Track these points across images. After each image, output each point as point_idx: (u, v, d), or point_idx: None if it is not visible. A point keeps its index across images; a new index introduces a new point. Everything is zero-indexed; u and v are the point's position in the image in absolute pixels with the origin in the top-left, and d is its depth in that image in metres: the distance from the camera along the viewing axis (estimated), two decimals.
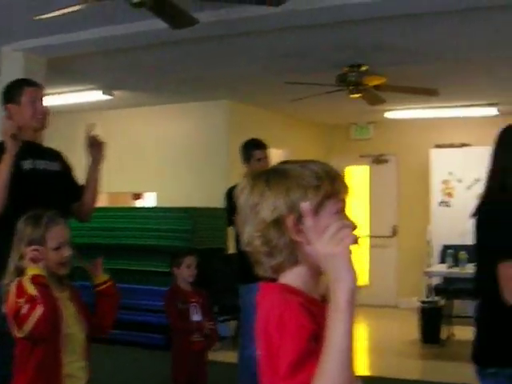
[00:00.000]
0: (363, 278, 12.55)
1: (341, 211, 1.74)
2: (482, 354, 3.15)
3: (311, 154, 12.03)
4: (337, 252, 1.55)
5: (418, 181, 11.75)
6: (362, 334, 10.85)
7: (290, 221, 1.68)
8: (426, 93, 7.75)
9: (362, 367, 8.70)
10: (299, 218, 1.67)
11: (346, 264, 1.55)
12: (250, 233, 1.74)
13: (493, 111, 10.41)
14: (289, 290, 1.70)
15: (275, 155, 10.37)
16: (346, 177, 1.79)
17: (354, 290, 1.54)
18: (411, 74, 7.83)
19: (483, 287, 3.20)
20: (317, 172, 1.73)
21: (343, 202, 1.76)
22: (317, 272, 1.64)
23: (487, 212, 3.16)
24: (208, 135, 10.05)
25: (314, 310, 1.62)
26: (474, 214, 3.21)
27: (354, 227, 1.66)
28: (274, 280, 1.76)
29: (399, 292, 12.13)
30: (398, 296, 12.10)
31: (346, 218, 1.73)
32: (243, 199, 1.77)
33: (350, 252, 1.56)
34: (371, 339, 10.35)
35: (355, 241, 1.58)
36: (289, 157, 10.94)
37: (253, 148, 6.16)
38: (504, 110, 10.35)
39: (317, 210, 1.68)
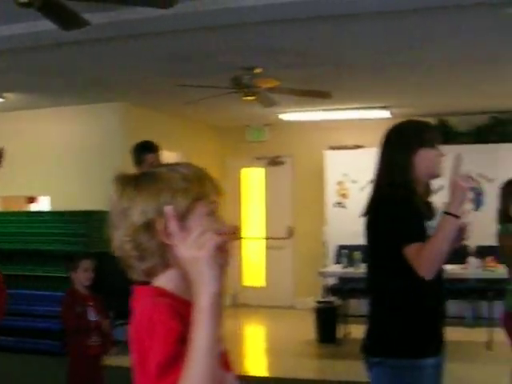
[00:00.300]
0: (260, 280, 12.62)
1: (212, 213, 1.74)
2: (370, 345, 3.35)
3: (207, 156, 12.03)
4: (199, 256, 1.58)
5: (313, 182, 11.88)
6: (259, 336, 10.92)
7: (159, 224, 1.68)
8: (318, 95, 7.84)
9: (260, 368, 8.76)
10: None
11: (208, 268, 1.57)
12: (120, 237, 1.73)
13: (386, 114, 10.63)
14: (160, 292, 1.71)
15: (171, 158, 10.36)
16: (214, 178, 1.80)
17: (217, 293, 1.56)
18: (305, 76, 7.90)
19: (373, 284, 3.37)
20: (186, 175, 1.74)
21: (215, 203, 1.77)
22: (188, 274, 1.64)
23: (378, 209, 3.28)
24: (102, 138, 9.91)
25: (184, 312, 1.62)
26: (365, 214, 3.33)
27: (225, 229, 1.70)
28: (147, 283, 1.76)
29: (296, 293, 12.23)
30: (295, 297, 12.20)
31: (219, 219, 1.75)
32: (113, 204, 1.76)
33: (214, 255, 1.58)
34: (268, 340, 10.42)
35: (221, 244, 1.61)
36: (184, 159, 10.91)
37: (144, 151, 6.10)
38: (396, 113, 10.58)
39: (187, 213, 1.69)
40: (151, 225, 1.69)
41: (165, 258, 1.71)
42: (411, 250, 3.10)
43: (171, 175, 1.73)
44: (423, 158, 3.31)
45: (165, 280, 1.74)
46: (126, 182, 1.76)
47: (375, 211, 3.33)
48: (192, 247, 1.59)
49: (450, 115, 11.15)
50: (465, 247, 9.51)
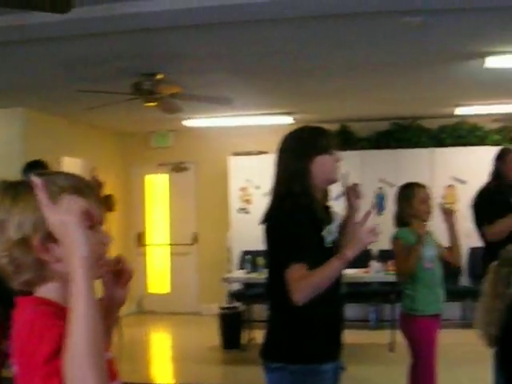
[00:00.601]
0: (165, 286, 12.56)
1: (94, 226, 1.72)
2: (269, 351, 3.37)
3: (110, 162, 11.92)
4: (67, 220, 1.57)
5: (217, 188, 11.88)
6: (164, 343, 10.86)
7: (35, 240, 1.65)
8: (220, 102, 7.85)
9: (165, 375, 8.71)
10: (46, 237, 1.65)
11: (77, 231, 1.56)
12: None
13: (288, 120, 10.71)
14: (42, 302, 1.68)
15: (73, 165, 10.22)
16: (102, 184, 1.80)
17: (88, 258, 1.55)
18: (207, 82, 7.90)
19: (271, 290, 3.38)
20: (64, 186, 1.70)
21: (97, 217, 1.75)
22: (69, 285, 1.62)
23: (275, 218, 3.30)
24: (3, 144, 9.68)
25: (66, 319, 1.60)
26: (263, 221, 3.33)
27: (107, 241, 1.74)
28: (30, 293, 1.73)
29: (201, 299, 12.20)
30: (200, 303, 12.17)
31: (101, 232, 1.76)
32: None
33: (81, 220, 1.57)
34: (174, 347, 10.36)
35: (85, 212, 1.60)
36: (87, 166, 10.77)
37: (31, 171, 5.96)
38: (299, 119, 10.69)
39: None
40: (27, 240, 1.65)
41: (42, 272, 1.68)
42: (292, 273, 3.14)
43: (48, 187, 1.67)
44: (320, 165, 3.34)
45: (46, 290, 1.71)
46: (5, 192, 1.71)
47: (272, 220, 3.34)
48: (60, 212, 1.57)
49: (351, 121, 11.33)
50: (367, 251, 9.69)
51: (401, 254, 5.42)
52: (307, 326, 3.26)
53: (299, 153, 3.35)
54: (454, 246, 5.54)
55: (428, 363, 5.27)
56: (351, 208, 3.65)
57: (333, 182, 3.44)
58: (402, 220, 5.51)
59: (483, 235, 6.05)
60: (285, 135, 3.50)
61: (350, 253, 3.09)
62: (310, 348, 3.25)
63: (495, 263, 4.25)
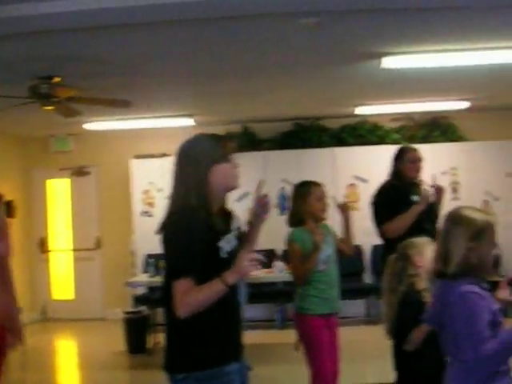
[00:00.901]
0: (69, 293, 12.37)
1: None
2: (171, 363, 3.33)
3: (10, 167, 11.67)
4: None
5: (119, 192, 11.78)
6: (70, 349, 10.70)
7: None
8: (119, 105, 7.74)
9: (71, 383, 8.58)
10: None
11: None
12: None
13: (190, 122, 10.69)
14: None
15: None
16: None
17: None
18: (106, 85, 7.78)
19: (166, 297, 3.30)
20: None
21: None
22: None
23: (169, 229, 3.27)
24: None
25: None
26: (159, 230, 3.29)
27: None
28: None
29: (106, 304, 12.06)
30: (105, 308, 12.02)
31: None
32: None
33: None
34: (80, 354, 10.23)
35: None
36: None
37: None
38: (200, 121, 10.69)
39: None
40: None
41: None
42: (178, 287, 3.16)
43: None
44: (218, 174, 3.31)
45: None
46: None
47: (166, 231, 3.29)
48: None
49: (254, 122, 11.40)
50: (271, 251, 9.75)
51: (296, 257, 5.48)
52: (204, 330, 3.24)
53: (196, 164, 3.30)
54: (347, 238, 5.73)
55: (321, 361, 5.36)
56: (257, 218, 3.69)
57: (233, 188, 3.41)
58: (297, 218, 5.56)
59: (382, 232, 6.17)
60: (180, 146, 3.42)
61: (230, 279, 3.17)
62: (209, 352, 3.24)
63: (393, 256, 4.34)
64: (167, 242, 3.27)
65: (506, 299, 3.14)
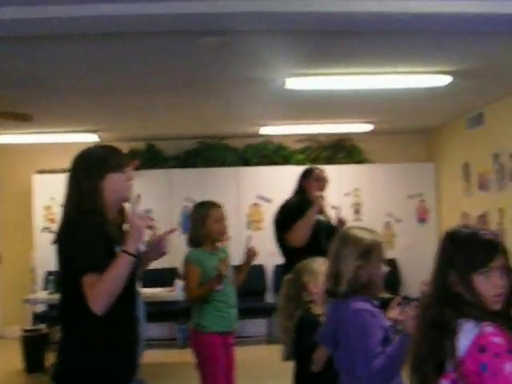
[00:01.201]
0: None
1: None
2: (59, 373, 3.27)
3: None
4: None
5: (20, 207, 11.52)
6: None
7: None
8: (20, 118, 7.58)
9: None
10: None
11: None
12: None
13: (94, 137, 10.57)
14: None
15: None
16: None
17: None
18: (6, 98, 7.63)
19: (64, 310, 3.30)
20: None
21: None
22: None
23: (64, 234, 3.23)
24: None
25: None
26: (54, 241, 3.26)
27: None
28: None
29: (3, 321, 11.74)
30: (3, 325, 11.72)
31: None
32: None
33: None
34: None
35: None
36: None
37: None
38: (104, 137, 10.60)
39: None
40: None
41: None
42: (87, 282, 3.11)
43: None
44: (111, 183, 3.33)
45: None
46: None
47: (61, 236, 3.27)
48: None
49: (159, 139, 11.35)
50: (173, 270, 9.70)
51: (192, 279, 5.44)
52: (99, 346, 3.20)
53: (90, 171, 3.33)
54: (242, 273, 5.74)
55: (215, 379, 5.34)
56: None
57: (125, 200, 3.43)
58: (195, 239, 5.51)
59: (284, 246, 6.22)
60: (76, 154, 3.47)
61: (131, 246, 3.14)
62: (103, 368, 3.19)
63: (288, 277, 4.37)
64: (64, 246, 3.25)
65: (395, 319, 3.20)
